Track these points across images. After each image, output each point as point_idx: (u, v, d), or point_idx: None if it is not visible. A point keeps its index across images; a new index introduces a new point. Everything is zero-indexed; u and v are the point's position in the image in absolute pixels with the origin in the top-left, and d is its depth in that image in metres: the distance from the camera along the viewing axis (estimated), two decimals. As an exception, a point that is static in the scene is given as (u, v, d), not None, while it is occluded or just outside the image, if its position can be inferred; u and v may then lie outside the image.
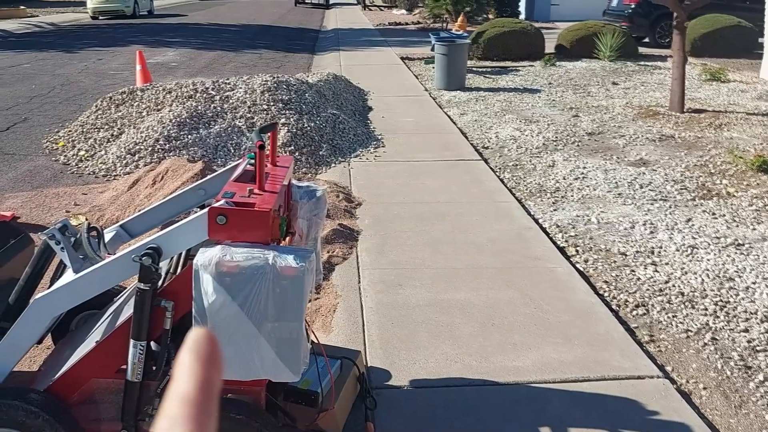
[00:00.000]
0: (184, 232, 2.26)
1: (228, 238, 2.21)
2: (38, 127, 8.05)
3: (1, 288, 2.86)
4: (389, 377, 3.20)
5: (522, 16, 21.48)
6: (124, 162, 6.46)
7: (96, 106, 7.87)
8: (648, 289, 4.21)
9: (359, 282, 4.15)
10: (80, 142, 7.13)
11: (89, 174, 6.41)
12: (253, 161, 2.48)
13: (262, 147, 2.26)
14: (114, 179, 6.22)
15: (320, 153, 6.79)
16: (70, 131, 7.53)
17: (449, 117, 8.70)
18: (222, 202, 2.22)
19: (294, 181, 2.68)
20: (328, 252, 4.50)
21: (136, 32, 19.73)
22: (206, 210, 2.21)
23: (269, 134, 2.53)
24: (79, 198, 5.72)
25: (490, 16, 21.08)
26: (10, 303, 2.74)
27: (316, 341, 2.76)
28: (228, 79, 8.03)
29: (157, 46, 16.19)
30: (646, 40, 15.74)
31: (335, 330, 3.63)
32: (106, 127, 7.33)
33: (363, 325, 3.65)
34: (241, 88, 7.63)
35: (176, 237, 2.27)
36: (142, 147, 6.57)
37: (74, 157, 6.83)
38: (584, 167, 6.63)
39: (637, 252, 4.73)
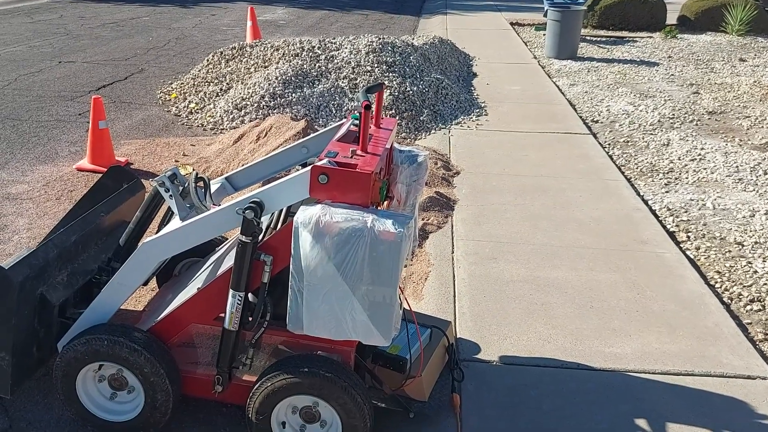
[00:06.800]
0: (285, 189, 2.27)
1: (328, 198, 2.19)
2: (153, 78, 8.42)
3: (113, 229, 3.01)
4: (478, 351, 3.14)
5: (643, -16, 20.17)
6: (231, 117, 6.64)
7: (207, 60, 8.11)
8: (766, 284, 3.90)
9: (453, 252, 4.08)
10: (191, 95, 7.39)
11: (198, 126, 6.64)
12: (357, 121, 2.44)
13: (368, 107, 2.21)
14: (221, 133, 6.41)
15: (421, 118, 6.71)
16: (182, 84, 7.82)
17: (558, 87, 8.35)
18: (324, 161, 2.20)
19: (396, 145, 2.62)
20: (424, 219, 4.45)
21: (249, -10, 20.13)
22: (309, 168, 2.20)
23: (375, 95, 2.48)
24: (187, 149, 5.94)
25: (608, -17, 19.98)
26: (121, 244, 2.88)
27: (408, 308, 2.73)
28: (334, 38, 8.04)
29: (267, 4, 16.47)
30: (782, 13, 14.43)
31: (426, 298, 3.59)
32: (216, 81, 7.55)
33: (454, 296, 3.59)
34: (346, 48, 7.62)
35: (278, 193, 2.28)
36: (248, 103, 6.72)
37: (185, 108, 7.09)
38: (702, 148, 6.19)
39: (756, 243, 4.38)
